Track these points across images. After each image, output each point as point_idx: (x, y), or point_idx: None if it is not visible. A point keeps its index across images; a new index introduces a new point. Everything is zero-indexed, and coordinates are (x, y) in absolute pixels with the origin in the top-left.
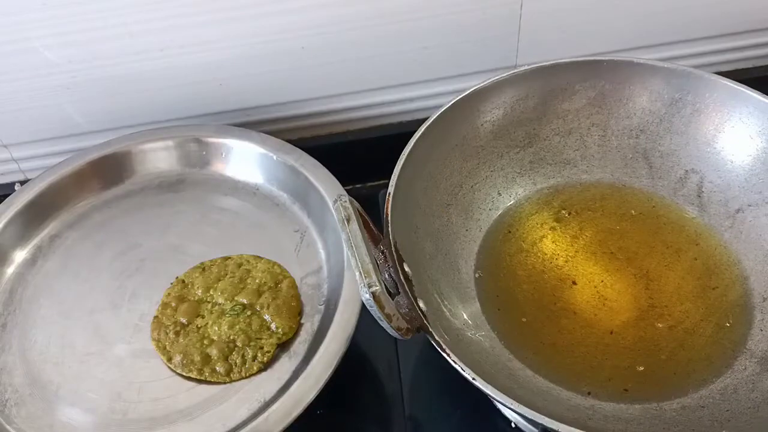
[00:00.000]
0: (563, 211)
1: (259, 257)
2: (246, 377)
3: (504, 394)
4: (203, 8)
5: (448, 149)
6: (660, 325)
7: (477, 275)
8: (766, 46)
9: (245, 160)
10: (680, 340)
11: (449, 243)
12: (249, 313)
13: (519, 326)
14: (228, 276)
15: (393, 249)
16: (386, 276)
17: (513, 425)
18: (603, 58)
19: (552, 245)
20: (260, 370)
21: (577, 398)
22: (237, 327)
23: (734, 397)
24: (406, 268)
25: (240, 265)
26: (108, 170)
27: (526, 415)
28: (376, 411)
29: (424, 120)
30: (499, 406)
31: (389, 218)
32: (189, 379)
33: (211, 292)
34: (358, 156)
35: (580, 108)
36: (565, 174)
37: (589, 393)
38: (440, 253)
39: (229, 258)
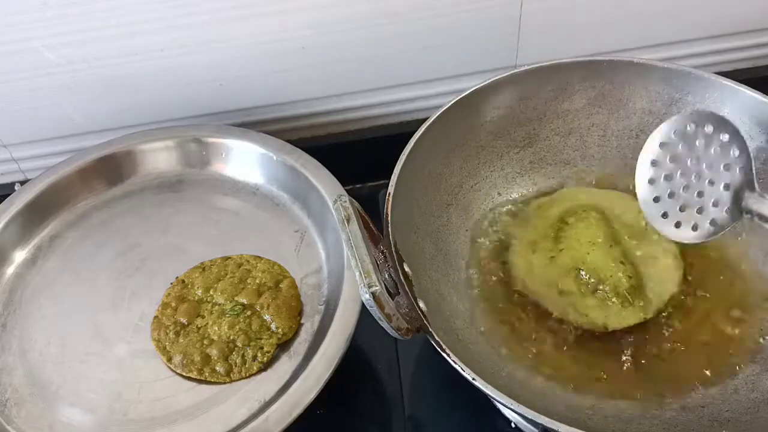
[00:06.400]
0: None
1: (259, 257)
2: (246, 377)
3: (504, 394)
4: (203, 8)
5: (448, 149)
6: (660, 325)
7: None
8: (766, 46)
9: (245, 160)
10: (681, 339)
11: (449, 243)
12: (249, 313)
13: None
14: (228, 276)
15: (393, 249)
16: (386, 276)
17: (513, 425)
18: (603, 58)
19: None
20: (260, 370)
21: (577, 398)
22: (237, 327)
23: (734, 397)
24: (406, 268)
25: (240, 265)
26: (108, 170)
27: (526, 415)
28: (376, 411)
29: (424, 120)
30: (499, 406)
31: (389, 218)
32: (189, 379)
33: (211, 292)
34: (358, 156)
35: (580, 108)
36: (565, 174)
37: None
38: (440, 253)
39: (229, 258)
